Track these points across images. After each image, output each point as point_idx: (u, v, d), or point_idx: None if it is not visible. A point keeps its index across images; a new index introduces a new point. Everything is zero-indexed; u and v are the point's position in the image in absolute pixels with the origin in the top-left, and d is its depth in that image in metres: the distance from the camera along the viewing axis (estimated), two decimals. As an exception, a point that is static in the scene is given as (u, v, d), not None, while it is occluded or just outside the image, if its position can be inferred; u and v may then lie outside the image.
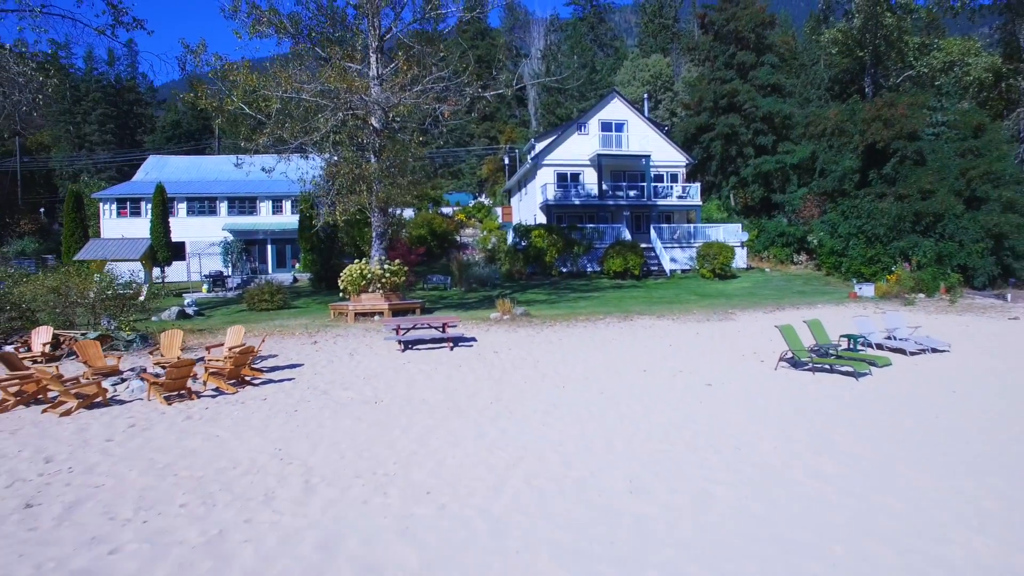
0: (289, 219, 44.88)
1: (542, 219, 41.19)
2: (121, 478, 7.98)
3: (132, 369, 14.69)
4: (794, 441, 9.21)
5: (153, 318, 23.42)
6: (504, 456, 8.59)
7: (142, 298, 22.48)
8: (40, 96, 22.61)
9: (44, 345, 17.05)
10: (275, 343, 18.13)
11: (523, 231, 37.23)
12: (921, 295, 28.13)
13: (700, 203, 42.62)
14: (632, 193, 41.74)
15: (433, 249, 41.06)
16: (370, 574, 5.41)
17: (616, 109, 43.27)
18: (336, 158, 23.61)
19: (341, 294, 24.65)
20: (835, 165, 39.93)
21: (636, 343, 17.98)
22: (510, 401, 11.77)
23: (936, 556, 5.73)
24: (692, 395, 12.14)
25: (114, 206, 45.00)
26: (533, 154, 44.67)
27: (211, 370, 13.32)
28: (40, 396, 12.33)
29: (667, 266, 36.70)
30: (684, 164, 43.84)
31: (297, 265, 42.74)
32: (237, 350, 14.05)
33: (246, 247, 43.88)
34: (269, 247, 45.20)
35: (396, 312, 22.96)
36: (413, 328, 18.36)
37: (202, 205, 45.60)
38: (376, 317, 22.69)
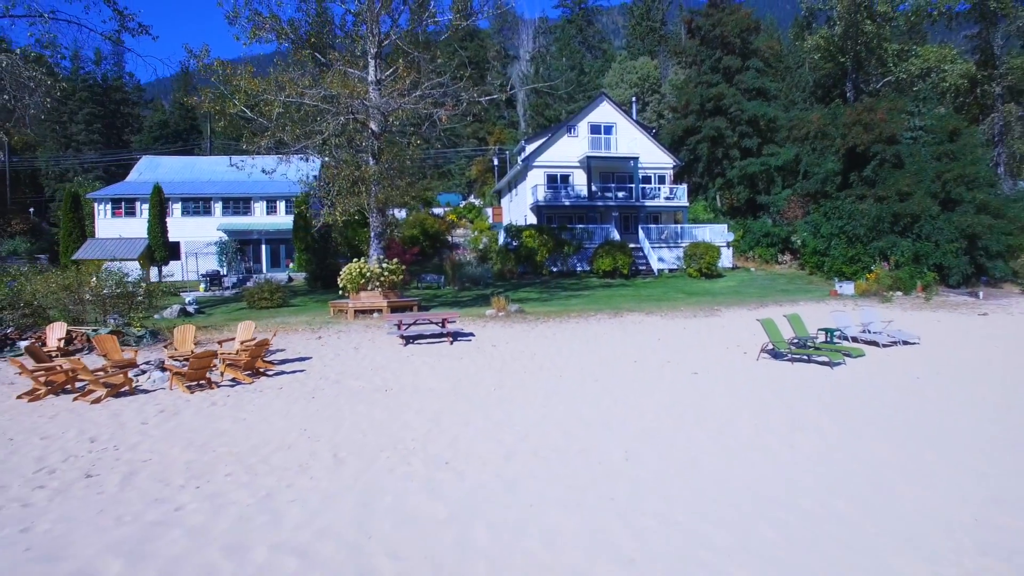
0: (283, 219, 45.50)
1: (532, 220, 42.08)
2: (164, 454, 8.82)
3: (147, 362, 15.47)
4: (771, 420, 10.18)
5: (155, 316, 24.08)
6: (511, 433, 9.51)
7: (139, 298, 23.13)
8: (48, 99, 23.31)
9: (59, 340, 17.74)
10: (281, 338, 18.92)
11: (514, 231, 38.10)
12: (899, 293, 29.28)
13: (687, 204, 43.69)
14: (621, 194, 42.71)
15: (425, 249, 41.84)
16: (407, 523, 6.30)
17: (605, 112, 44.27)
18: (337, 160, 24.32)
19: (341, 292, 25.37)
20: (818, 167, 41.09)
21: (626, 337, 18.93)
22: (512, 388, 12.69)
23: (889, 508, 6.68)
24: (680, 382, 13.11)
25: (109, 206, 45.40)
26: (523, 156, 45.57)
27: (228, 361, 14.13)
28: (68, 386, 13.11)
29: (655, 266, 37.68)
30: (671, 166, 44.91)
31: (291, 265, 43.34)
32: (252, 343, 14.86)
33: (240, 247, 44.53)
34: (263, 247, 45.83)
35: (394, 309, 23.76)
36: (414, 323, 19.21)
37: (197, 205, 46.07)
38: (375, 314, 23.49)
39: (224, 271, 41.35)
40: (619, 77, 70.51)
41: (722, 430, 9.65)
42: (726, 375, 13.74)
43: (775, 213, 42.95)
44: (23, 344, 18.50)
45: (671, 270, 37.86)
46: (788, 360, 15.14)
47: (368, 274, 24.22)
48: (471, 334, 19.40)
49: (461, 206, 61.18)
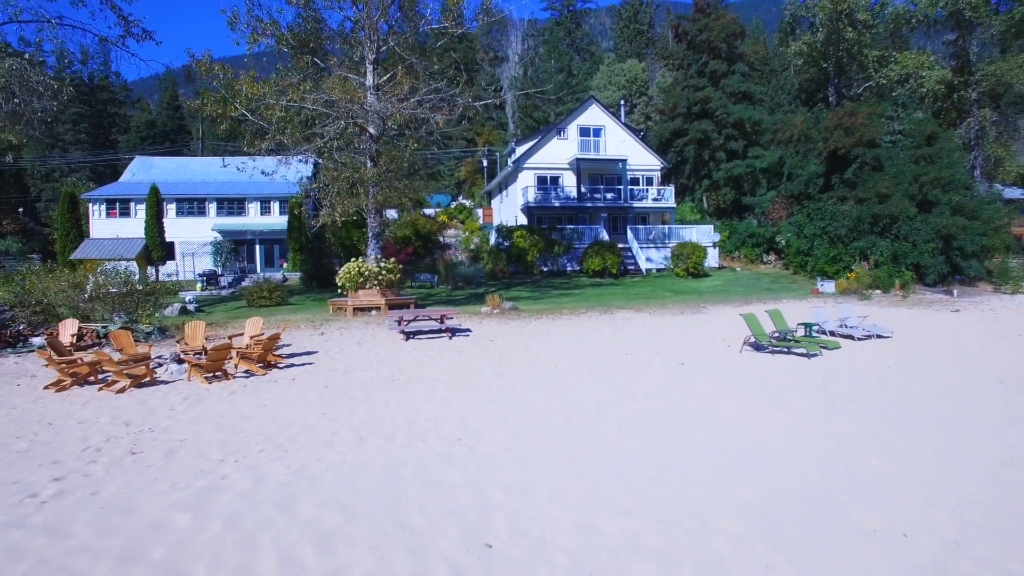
0: (277, 220, 46.12)
1: (523, 220, 42.95)
2: (197, 435, 9.64)
3: (159, 356, 16.22)
4: (751, 403, 11.14)
5: (157, 313, 24.74)
6: (515, 415, 10.41)
7: (146, 296, 23.79)
8: (56, 103, 23.95)
9: (72, 336, 18.44)
10: (285, 335, 19.68)
11: (506, 232, 38.96)
12: (878, 291, 30.42)
13: (674, 205, 44.72)
14: (609, 196, 43.67)
15: (418, 249, 42.57)
16: (430, 486, 7.19)
17: (594, 115, 45.25)
18: (336, 163, 25.05)
19: (340, 290, 26.10)
20: (801, 170, 42.23)
21: (617, 332, 19.87)
22: (512, 377, 13.57)
23: (851, 474, 7.62)
24: (668, 371, 14.05)
25: (103, 207, 45.85)
26: (514, 158, 46.45)
27: (242, 354, 14.92)
28: (91, 378, 13.86)
29: (643, 265, 38.64)
30: (659, 168, 45.94)
31: (285, 265, 43.96)
32: (264, 337, 15.66)
33: (235, 247, 45.14)
34: (257, 247, 46.43)
35: (392, 307, 24.57)
36: (415, 320, 20.05)
37: (191, 206, 46.60)
38: (373, 312, 24.29)
39: (220, 271, 41.95)
40: (607, 79, 71.51)
41: (706, 411, 10.59)
42: (711, 365, 14.71)
43: (760, 214, 44.05)
44: (35, 340, 19.26)
45: (659, 270, 38.83)
46: (769, 352, 16.13)
47: (367, 273, 24.98)
48: (468, 330, 20.26)
49: (452, 207, 61.96)
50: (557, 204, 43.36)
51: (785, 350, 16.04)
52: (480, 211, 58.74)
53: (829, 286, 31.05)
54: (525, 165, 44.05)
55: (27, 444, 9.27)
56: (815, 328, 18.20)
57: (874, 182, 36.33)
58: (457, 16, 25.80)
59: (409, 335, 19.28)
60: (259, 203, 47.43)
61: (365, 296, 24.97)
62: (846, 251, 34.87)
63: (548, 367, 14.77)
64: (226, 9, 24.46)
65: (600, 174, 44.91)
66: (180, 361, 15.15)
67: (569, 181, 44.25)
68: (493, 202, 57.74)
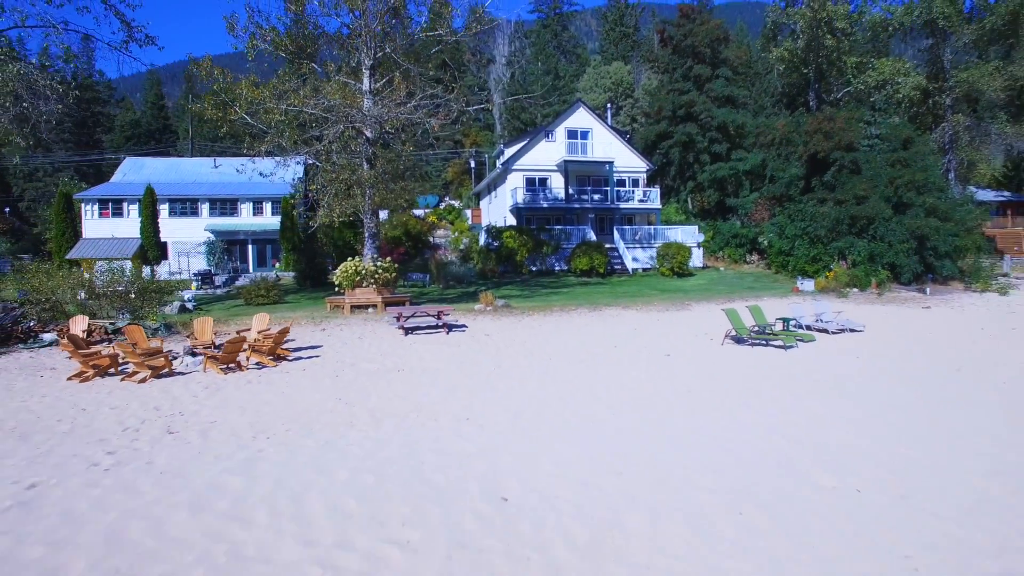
0: (269, 220, 46.73)
1: (512, 221, 43.88)
2: (225, 418, 10.51)
3: (170, 350, 17.02)
4: (731, 388, 12.18)
5: (157, 311, 25.42)
6: (515, 399, 11.39)
7: (153, 294, 24.49)
8: (61, 106, 24.64)
9: (83, 332, 19.19)
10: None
11: (495, 232, 39.88)
12: (855, 289, 31.65)
13: (660, 206, 45.86)
14: (596, 197, 44.71)
15: (409, 249, 43.40)
16: (447, 456, 8.15)
17: (581, 118, 46.31)
18: (335, 165, 25.84)
19: (337, 288, 26.88)
20: (783, 172, 43.46)
21: (606, 328, 20.88)
22: (509, 368, 14.53)
23: (818, 445, 8.65)
24: (654, 362, 15.07)
25: (96, 207, 46.25)
26: (503, 159, 47.39)
27: (254, 347, 15.77)
28: (111, 369, 14.67)
29: (629, 265, 39.69)
30: (645, 169, 47.08)
31: (278, 264, 44.59)
32: (275, 331, 16.52)
33: (228, 247, 45.75)
34: (250, 247, 47.05)
35: (388, 304, 25.41)
36: (413, 316, 20.96)
37: (184, 206, 47.08)
38: (370, 309, 25.13)
39: (214, 271, 42.56)
40: (593, 82, 72.61)
41: (690, 395, 11.61)
42: (694, 356, 15.76)
43: (743, 215, 45.25)
44: (46, 336, 19.98)
45: (644, 269, 39.87)
46: (749, 344, 17.22)
47: (363, 272, 25.81)
48: (464, 325, 21.20)
49: (442, 207, 62.83)
50: (545, 205, 44.32)
51: (764, 343, 17.14)
52: (469, 212, 59.63)
53: (809, 285, 32.26)
54: (514, 167, 44.99)
55: (69, 426, 10.10)
56: (792, 322, 19.30)
57: (852, 184, 37.59)
58: (449, 24, 26.73)
59: (408, 330, 20.20)
60: (252, 204, 47.99)
61: (362, 294, 25.77)
62: (825, 251, 36.09)
63: (543, 359, 15.74)
64: (228, 16, 25.24)
65: (587, 176, 45.93)
66: (194, 354, 15.99)
67: (557, 183, 45.23)
68: (482, 203, 58.64)
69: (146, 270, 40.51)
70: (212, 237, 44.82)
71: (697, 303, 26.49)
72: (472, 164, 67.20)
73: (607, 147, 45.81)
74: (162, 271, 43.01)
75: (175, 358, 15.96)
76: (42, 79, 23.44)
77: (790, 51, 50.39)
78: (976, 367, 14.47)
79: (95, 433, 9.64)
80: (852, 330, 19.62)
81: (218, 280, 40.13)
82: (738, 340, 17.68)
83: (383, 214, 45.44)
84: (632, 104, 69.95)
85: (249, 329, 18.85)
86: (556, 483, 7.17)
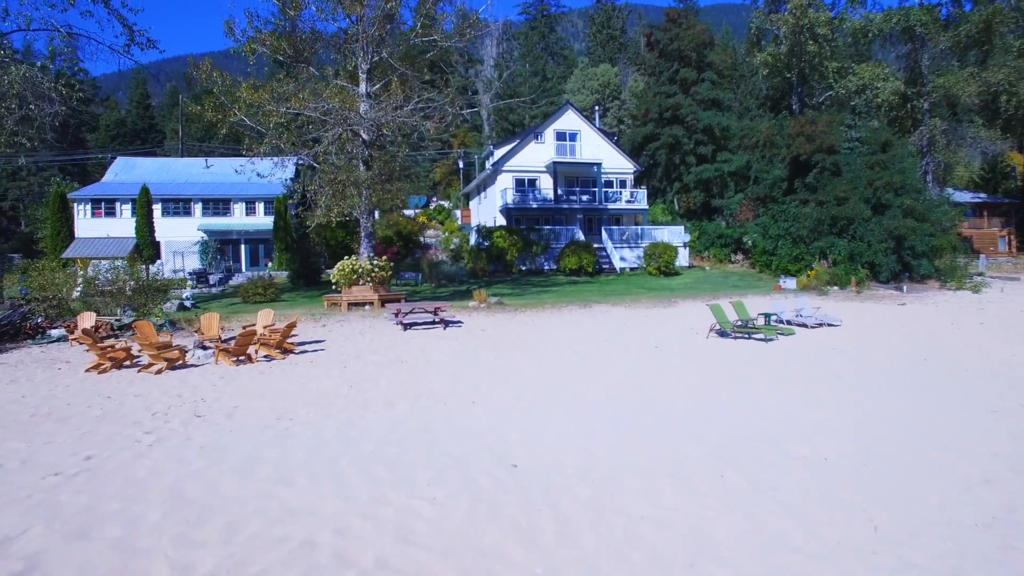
0: (262, 220, 47.25)
1: (501, 221, 44.71)
2: (246, 403, 11.29)
3: (178, 344, 17.72)
4: (715, 375, 13.11)
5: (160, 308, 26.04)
6: (516, 386, 12.25)
7: (158, 291, 25.12)
8: (64, 108, 25.21)
9: (91, 328, 19.86)
10: (291, 326, 21.26)
11: (486, 232, 40.73)
12: (835, 287, 32.75)
13: (647, 207, 46.87)
14: (585, 197, 45.65)
15: (400, 249, 44.10)
16: (459, 432, 9.01)
17: (570, 120, 47.25)
18: (333, 167, 26.55)
19: (334, 286, 27.59)
20: (766, 174, 44.62)
21: (596, 323, 21.78)
22: (507, 360, 15.39)
23: (792, 423, 9.57)
24: (644, 353, 15.99)
25: (89, 206, 46.59)
26: (492, 161, 48.24)
27: (262, 341, 16.52)
28: (126, 362, 15.39)
29: (617, 264, 40.65)
30: (632, 171, 48.10)
31: (270, 264, 45.14)
32: (282, 325, 17.27)
33: (221, 247, 46.25)
34: (243, 247, 47.55)
35: (384, 302, 26.17)
36: (411, 312, 21.77)
37: (177, 206, 47.50)
38: (367, 306, 25.89)
39: (208, 270, 43.07)
40: (581, 83, 73.59)
41: (677, 382, 12.53)
42: (681, 348, 16.70)
43: (728, 216, 46.37)
44: (54, 332, 20.63)
45: (632, 268, 40.83)
46: (732, 338, 18.19)
47: (360, 270, 26.56)
48: (460, 321, 22.03)
49: (432, 207, 63.56)
50: (535, 206, 45.19)
51: (746, 336, 18.12)
52: (459, 212, 60.37)
53: (791, 283, 33.34)
54: (504, 168, 45.82)
55: (100, 411, 10.84)
56: (774, 318, 20.29)
57: (833, 186, 38.77)
58: (441, 28, 27.52)
59: (407, 326, 21.00)
60: (244, 204, 48.48)
61: (359, 292, 26.51)
62: (807, 250, 37.23)
63: (538, 350, 16.61)
64: (229, 22, 25.93)
65: (576, 177, 46.86)
66: (204, 347, 16.72)
67: (546, 183, 46.11)
68: (471, 203, 59.41)
69: (151, 268, 41.12)
70: (205, 237, 45.30)
71: (683, 300, 27.44)
72: (461, 165, 67.90)
73: (595, 149, 46.76)
74: (166, 270, 43.46)
75: (186, 352, 16.68)
76: (46, 81, 24.00)
77: (774, 56, 51.64)
78: (941, 357, 15.51)
79: (127, 417, 10.39)
80: (830, 325, 20.66)
81: (212, 279, 40.65)
82: (722, 334, 18.65)
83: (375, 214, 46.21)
84: (619, 106, 70.97)
85: (254, 324, 19.58)
86: (559, 453, 8.05)
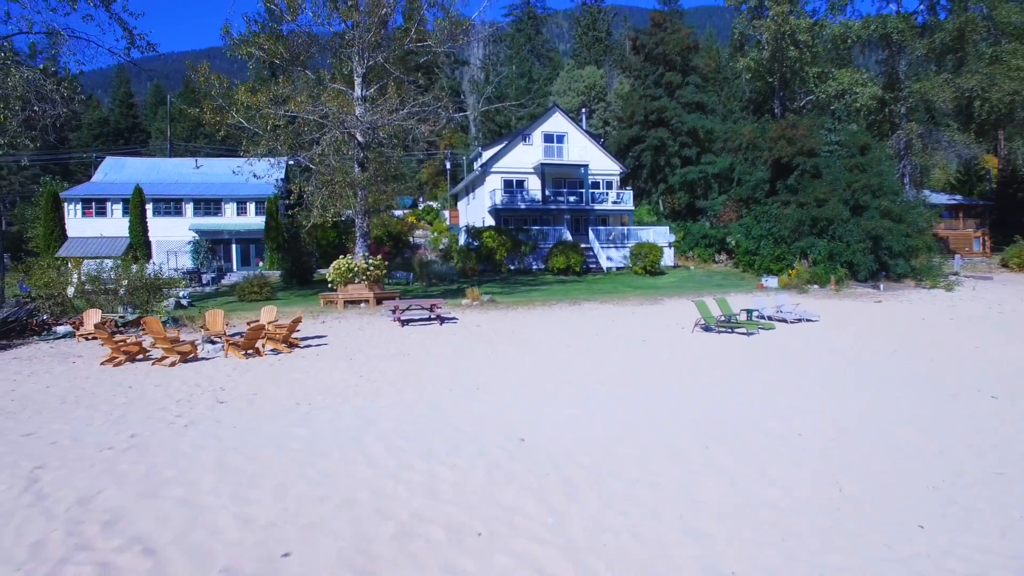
0: (253, 220, 47.78)
1: (490, 222, 45.53)
2: (263, 391, 12.05)
3: (188, 340, 18.40)
4: (699, 366, 14.05)
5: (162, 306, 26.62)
6: (515, 375, 13.13)
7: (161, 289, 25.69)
8: (67, 110, 25.75)
9: (97, 325, 20.48)
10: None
11: (475, 232, 41.56)
12: (815, 286, 33.90)
13: (632, 208, 47.94)
14: (572, 198, 46.60)
15: (390, 249, 44.80)
16: (468, 414, 9.86)
17: (557, 122, 48.21)
18: (330, 168, 27.23)
19: (329, 285, 28.27)
20: (749, 176, 45.76)
21: (586, 319, 22.69)
22: (504, 353, 16.24)
23: (770, 406, 10.49)
24: (633, 346, 16.92)
25: (79, 206, 46.93)
26: (481, 162, 49.09)
27: (269, 335, 17.25)
28: (140, 355, 16.08)
29: (604, 264, 41.61)
30: (618, 172, 49.14)
31: (262, 264, 45.65)
32: (287, 321, 18.00)
33: (212, 246, 46.71)
34: (234, 246, 48.05)
35: (379, 300, 26.92)
36: (408, 309, 22.56)
37: (168, 206, 47.91)
38: (362, 304, 26.62)
39: (201, 269, 43.54)
40: (567, 85, 74.49)
41: (664, 372, 13.44)
42: (668, 342, 17.64)
43: (712, 216, 47.48)
44: (59, 329, 21.23)
45: (618, 268, 41.79)
46: (716, 332, 19.18)
47: (355, 269, 27.27)
48: (455, 318, 22.85)
49: (420, 208, 64.25)
50: (523, 206, 46.04)
51: (729, 330, 19.10)
52: (447, 213, 61.12)
53: (772, 282, 34.44)
54: (492, 169, 46.65)
55: (126, 399, 11.56)
56: (755, 313, 21.29)
57: (813, 188, 39.95)
58: (437, 35, 28.33)
59: (404, 322, 21.79)
60: (235, 204, 48.96)
61: (354, 290, 27.22)
62: (788, 250, 38.38)
63: (532, 344, 17.48)
64: (228, 27, 26.60)
65: (563, 178, 47.79)
66: (213, 342, 17.42)
67: (534, 185, 47.00)
68: (460, 204, 60.18)
69: (150, 267, 41.53)
70: (197, 236, 45.75)
71: (669, 298, 28.41)
72: (448, 166, 68.61)
73: (582, 150, 47.73)
74: (163, 269, 43.78)
75: (196, 346, 17.35)
76: (49, 84, 24.55)
77: (756, 61, 52.90)
78: (910, 349, 16.57)
79: (153, 403, 11.12)
80: (808, 320, 21.71)
81: (205, 278, 41.15)
82: (706, 328, 19.61)
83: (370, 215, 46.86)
84: (605, 107, 71.93)
85: (258, 320, 20.27)
86: (560, 430, 8.91)
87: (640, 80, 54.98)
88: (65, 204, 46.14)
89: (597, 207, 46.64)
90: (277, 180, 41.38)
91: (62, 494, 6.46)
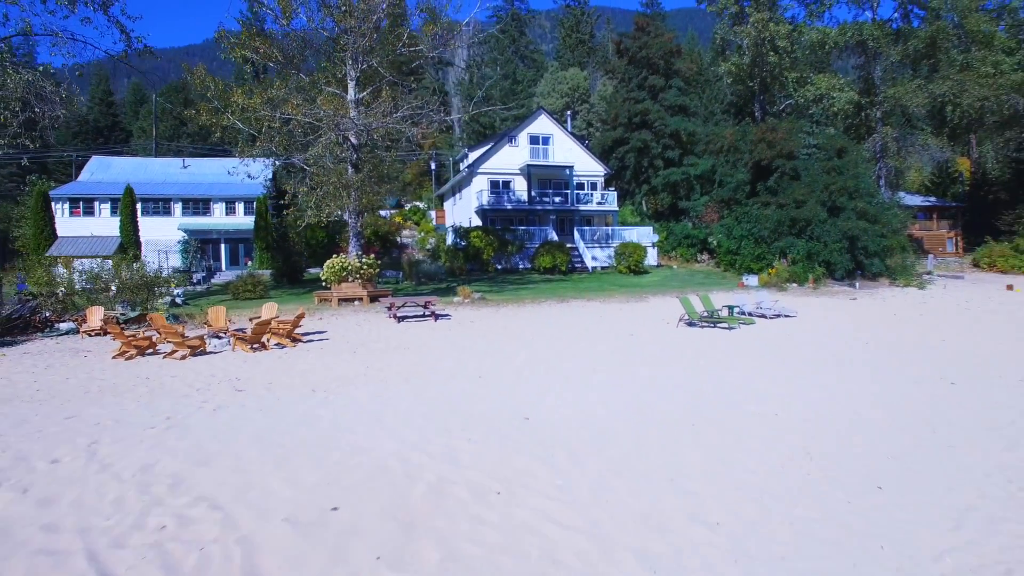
0: (242, 220, 48.26)
1: (477, 222, 46.40)
2: (277, 379, 12.82)
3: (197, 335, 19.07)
4: (683, 356, 15.01)
5: (162, 303, 27.20)
6: (513, 365, 14.01)
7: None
8: (65, 111, 26.26)
9: (101, 321, 21.13)
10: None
11: (463, 232, 42.42)
12: (794, 284, 35.12)
13: (616, 208, 49.03)
14: (557, 199, 47.60)
15: (379, 249, 45.50)
16: (475, 397, 10.72)
17: (543, 124, 49.21)
18: (325, 170, 27.94)
19: (324, 283, 28.92)
20: (730, 177, 47.01)
21: (575, 315, 23.62)
22: (500, 346, 17.11)
23: (748, 389, 11.45)
24: (621, 339, 17.86)
25: (67, 205, 47.15)
26: (467, 163, 49.96)
27: (274, 330, 17.97)
28: (150, 350, 16.76)
29: (589, 263, 42.61)
30: (602, 174, 50.22)
31: (250, 263, 46.12)
32: (292, 316, 18.75)
33: (201, 246, 47.12)
34: (223, 246, 48.47)
35: (372, 298, 27.69)
36: (404, 306, 23.35)
37: (157, 206, 48.23)
38: (356, 302, 27.36)
39: (193, 268, 43.97)
40: (551, 87, 75.49)
41: (651, 362, 14.39)
42: (654, 335, 18.61)
43: (694, 217, 48.68)
44: (63, 326, 21.80)
45: (603, 267, 42.82)
46: (699, 327, 20.18)
47: (349, 267, 27.98)
48: (448, 315, 23.68)
49: (407, 208, 64.92)
50: (509, 207, 46.96)
51: (711, 324, 20.12)
52: (433, 213, 61.89)
53: (753, 280, 35.61)
54: (479, 170, 47.53)
55: (147, 388, 12.28)
56: (736, 309, 22.35)
57: (792, 190, 41.23)
58: (431, 41, 29.15)
59: (400, 318, 22.58)
60: (224, 203, 49.41)
61: (348, 288, 27.94)
62: (768, 250, 39.61)
63: (526, 338, 18.37)
64: (224, 31, 27.25)
65: (549, 179, 48.77)
66: (218, 337, 18.12)
67: (520, 185, 47.93)
68: (446, 204, 60.97)
69: (151, 266, 41.85)
70: (186, 236, 46.13)
71: (653, 296, 29.44)
72: (433, 166, 69.30)
73: (567, 152, 48.74)
74: (174, 265, 44.12)
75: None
76: (50, 86, 25.07)
77: (737, 66, 54.25)
78: (880, 342, 17.67)
79: (174, 392, 11.85)
80: (786, 316, 22.81)
81: (195, 278, 41.59)
82: (690, 323, 20.62)
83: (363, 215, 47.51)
84: (588, 109, 73.02)
85: (259, 316, 20.97)
86: (560, 411, 9.80)
87: (624, 83, 56.10)
88: (52, 203, 46.29)
89: (582, 208, 47.67)
90: (266, 180, 41.99)
91: (124, 463, 7.25)
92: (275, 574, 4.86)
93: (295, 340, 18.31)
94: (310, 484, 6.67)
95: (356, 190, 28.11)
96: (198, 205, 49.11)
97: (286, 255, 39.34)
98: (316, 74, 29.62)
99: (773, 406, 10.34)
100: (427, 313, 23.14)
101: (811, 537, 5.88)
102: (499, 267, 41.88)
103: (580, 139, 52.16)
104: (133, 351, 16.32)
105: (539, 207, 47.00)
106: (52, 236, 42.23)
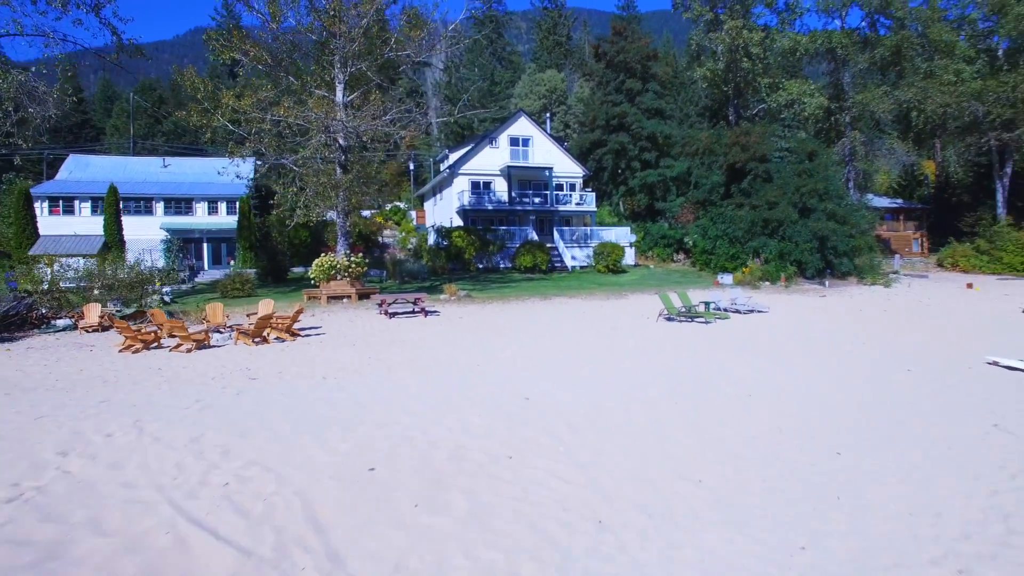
0: (225, 219, 48.50)
1: (458, 222, 47.22)
2: (286, 369, 13.64)
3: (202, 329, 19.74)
4: (663, 348, 16.10)
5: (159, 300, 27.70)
6: (505, 356, 14.97)
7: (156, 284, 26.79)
8: (58, 110, 26.71)
9: (99, 317, 21.71)
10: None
11: (444, 232, 43.25)
12: (767, 283, 36.50)
13: (595, 209, 50.20)
14: (537, 200, 48.62)
15: (362, 249, 46.09)
16: (475, 382, 11.66)
17: (523, 126, 50.22)
18: (315, 171, 28.63)
19: (312, 282, 29.56)
20: (705, 179, 48.36)
21: (558, 312, 24.64)
22: (491, 341, 18.05)
23: (725, 376, 12.52)
24: (603, 333, 18.91)
25: (46, 204, 47.05)
26: (448, 164, 50.79)
27: (273, 325, 18.74)
28: (155, 344, 17.45)
29: (568, 263, 43.65)
30: (581, 175, 51.37)
31: (233, 263, 46.43)
32: (291, 312, 19.52)
33: (183, 245, 47.33)
34: (205, 245, 48.68)
35: (360, 296, 28.45)
36: (394, 303, 24.20)
37: (139, 205, 48.27)
38: (344, 300, 28.10)
39: (178, 267, 44.21)
40: (528, 88, 76.47)
41: (633, 353, 15.45)
42: (635, 329, 19.71)
43: (671, 218, 49.98)
44: (59, 322, 22.33)
45: (582, 267, 43.88)
46: (677, 321, 21.31)
47: (337, 266, 28.69)
48: (436, 311, 24.57)
49: (388, 208, 65.48)
50: (490, 207, 47.85)
51: (689, 319, 21.27)
52: (414, 213, 62.58)
53: (728, 279, 36.93)
54: (460, 171, 48.38)
55: (163, 377, 13.03)
56: (712, 305, 23.53)
57: (765, 192, 42.67)
58: (418, 44, 30.00)
59: (391, 315, 23.42)
60: (207, 203, 49.59)
61: (337, 286, 28.64)
62: (742, 250, 40.99)
63: (514, 332, 19.35)
64: (211, 33, 27.86)
65: (529, 180, 49.77)
66: (220, 331, 18.85)
67: (500, 186, 48.86)
68: (427, 204, 61.70)
69: (145, 264, 41.99)
70: (168, 235, 46.33)
71: (632, 293, 30.57)
72: (412, 167, 69.87)
73: (547, 154, 49.75)
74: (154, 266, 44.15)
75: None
76: (42, 86, 25.52)
77: (712, 71, 55.78)
78: (846, 333, 18.97)
79: (192, 381, 12.63)
80: (759, 311, 24.05)
81: (180, 276, 41.85)
82: (669, 318, 21.74)
83: (332, 214, 48.07)
84: (566, 111, 74.11)
85: (255, 313, 21.70)
86: (555, 393, 10.80)
87: (601, 86, 57.24)
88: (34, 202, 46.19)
89: (561, 208, 48.74)
90: (248, 179, 42.52)
91: (173, 436, 8.09)
92: (332, 517, 5.77)
93: (294, 335, 19.08)
94: (345, 451, 7.58)
95: (344, 190, 28.84)
96: (180, 204, 49.23)
97: (271, 254, 39.86)
98: (305, 76, 30.29)
99: (747, 388, 11.42)
100: (417, 310, 24.01)
101: (779, 491, 6.94)
102: (480, 266, 42.76)
103: (559, 140, 53.23)
104: (139, 345, 17.00)
105: (519, 208, 47.95)
106: (35, 235, 42.28)
